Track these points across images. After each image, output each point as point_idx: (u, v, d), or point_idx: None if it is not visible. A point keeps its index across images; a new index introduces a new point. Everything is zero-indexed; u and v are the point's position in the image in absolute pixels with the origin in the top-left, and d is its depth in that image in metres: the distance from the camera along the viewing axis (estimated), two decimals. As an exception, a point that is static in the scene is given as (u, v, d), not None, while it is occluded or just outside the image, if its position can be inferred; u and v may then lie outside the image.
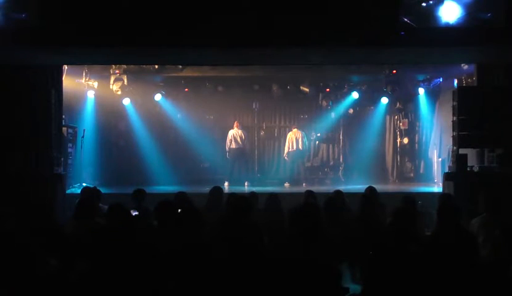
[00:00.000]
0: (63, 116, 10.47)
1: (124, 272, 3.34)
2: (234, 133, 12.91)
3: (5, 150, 8.90)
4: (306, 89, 13.40)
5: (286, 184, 12.50)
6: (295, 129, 13.00)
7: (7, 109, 8.77)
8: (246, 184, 12.52)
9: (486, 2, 7.03)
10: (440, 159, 12.99)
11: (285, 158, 13.05)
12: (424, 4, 7.07)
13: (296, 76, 12.71)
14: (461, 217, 4.82)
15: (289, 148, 12.93)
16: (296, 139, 12.86)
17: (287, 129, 13.55)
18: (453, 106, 9.41)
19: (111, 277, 2.89)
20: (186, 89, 13.73)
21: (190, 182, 12.18)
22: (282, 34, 7.17)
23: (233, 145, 12.83)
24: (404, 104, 13.86)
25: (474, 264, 4.09)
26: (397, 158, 14.19)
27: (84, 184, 11.92)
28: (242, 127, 13.20)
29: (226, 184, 12.08)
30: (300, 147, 12.84)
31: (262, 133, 14.20)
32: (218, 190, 7.32)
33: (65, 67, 10.14)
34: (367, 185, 7.67)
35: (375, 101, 13.74)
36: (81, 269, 3.36)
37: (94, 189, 7.80)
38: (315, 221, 3.98)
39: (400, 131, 14.09)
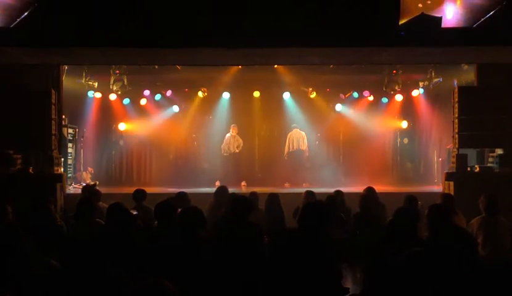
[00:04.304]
0: (64, 117, 10.48)
1: (123, 272, 3.33)
2: (231, 138, 12.89)
3: (6, 150, 8.91)
4: (307, 90, 13.44)
5: (286, 184, 12.49)
6: (296, 130, 12.99)
7: (7, 109, 8.77)
8: (243, 183, 12.50)
9: (486, 2, 7.03)
10: (440, 159, 12.99)
11: (286, 158, 13.04)
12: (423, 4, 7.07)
13: (297, 76, 12.71)
14: (451, 217, 4.82)
15: (289, 148, 12.93)
16: (297, 139, 12.86)
17: (287, 129, 13.52)
18: (453, 106, 9.41)
19: (111, 277, 2.89)
20: (186, 89, 13.75)
21: (190, 182, 12.18)
22: (282, 35, 7.17)
23: (230, 150, 12.83)
24: (405, 104, 13.85)
25: (474, 263, 4.09)
26: (397, 158, 14.20)
27: (83, 184, 11.96)
28: (239, 132, 13.06)
29: (217, 183, 11.84)
30: (301, 147, 12.83)
31: (262, 133, 14.19)
32: (222, 189, 7.38)
33: (65, 67, 10.14)
34: (367, 186, 7.68)
35: (375, 101, 13.75)
36: (81, 269, 3.36)
37: (94, 188, 7.81)
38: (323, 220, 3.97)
39: (400, 131, 14.09)
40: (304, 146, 12.91)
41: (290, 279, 3.54)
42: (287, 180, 12.65)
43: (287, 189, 11.95)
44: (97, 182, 12.24)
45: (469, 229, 5.56)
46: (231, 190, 8.26)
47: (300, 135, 12.90)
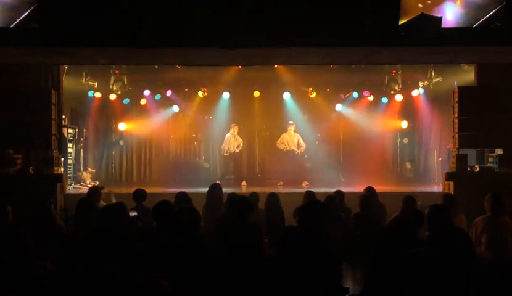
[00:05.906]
0: (64, 117, 10.48)
1: (122, 272, 3.33)
2: (231, 138, 12.87)
3: (6, 150, 8.90)
4: (307, 90, 13.43)
5: (279, 183, 12.42)
6: (290, 132, 12.90)
7: (7, 109, 8.77)
8: (243, 183, 12.49)
9: (486, 2, 7.03)
10: (440, 159, 12.99)
11: (278, 147, 12.95)
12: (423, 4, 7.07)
13: (297, 76, 12.71)
14: (451, 217, 4.81)
15: (282, 146, 12.89)
16: (289, 141, 12.83)
17: (287, 129, 13.45)
18: (453, 106, 9.41)
19: (110, 277, 2.89)
20: (186, 89, 13.75)
21: (190, 182, 12.18)
22: (282, 35, 7.16)
23: (230, 150, 12.80)
24: (405, 104, 13.85)
25: (473, 261, 4.09)
26: (397, 158, 14.20)
27: (82, 184, 11.96)
28: (239, 131, 13.01)
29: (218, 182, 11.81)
30: (293, 147, 12.81)
31: (262, 133, 14.18)
32: (216, 187, 7.37)
33: (65, 67, 10.14)
34: (367, 186, 7.67)
35: (375, 101, 13.74)
36: (80, 270, 3.36)
37: (99, 191, 7.75)
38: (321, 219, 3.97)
39: (400, 131, 14.09)
40: (295, 146, 12.83)
41: (291, 279, 3.54)
42: (286, 181, 12.56)
43: (287, 189, 11.92)
44: (97, 182, 12.25)
45: (472, 228, 5.55)
46: (230, 190, 8.27)
47: (295, 137, 12.86)
